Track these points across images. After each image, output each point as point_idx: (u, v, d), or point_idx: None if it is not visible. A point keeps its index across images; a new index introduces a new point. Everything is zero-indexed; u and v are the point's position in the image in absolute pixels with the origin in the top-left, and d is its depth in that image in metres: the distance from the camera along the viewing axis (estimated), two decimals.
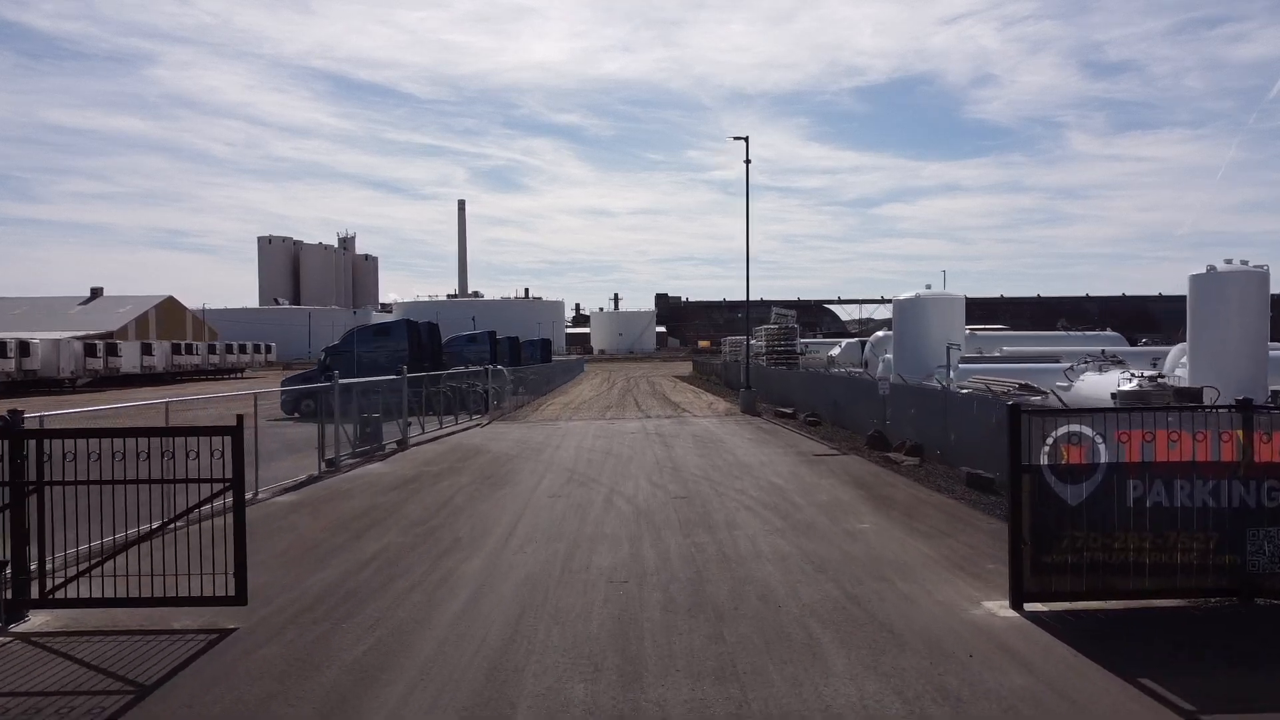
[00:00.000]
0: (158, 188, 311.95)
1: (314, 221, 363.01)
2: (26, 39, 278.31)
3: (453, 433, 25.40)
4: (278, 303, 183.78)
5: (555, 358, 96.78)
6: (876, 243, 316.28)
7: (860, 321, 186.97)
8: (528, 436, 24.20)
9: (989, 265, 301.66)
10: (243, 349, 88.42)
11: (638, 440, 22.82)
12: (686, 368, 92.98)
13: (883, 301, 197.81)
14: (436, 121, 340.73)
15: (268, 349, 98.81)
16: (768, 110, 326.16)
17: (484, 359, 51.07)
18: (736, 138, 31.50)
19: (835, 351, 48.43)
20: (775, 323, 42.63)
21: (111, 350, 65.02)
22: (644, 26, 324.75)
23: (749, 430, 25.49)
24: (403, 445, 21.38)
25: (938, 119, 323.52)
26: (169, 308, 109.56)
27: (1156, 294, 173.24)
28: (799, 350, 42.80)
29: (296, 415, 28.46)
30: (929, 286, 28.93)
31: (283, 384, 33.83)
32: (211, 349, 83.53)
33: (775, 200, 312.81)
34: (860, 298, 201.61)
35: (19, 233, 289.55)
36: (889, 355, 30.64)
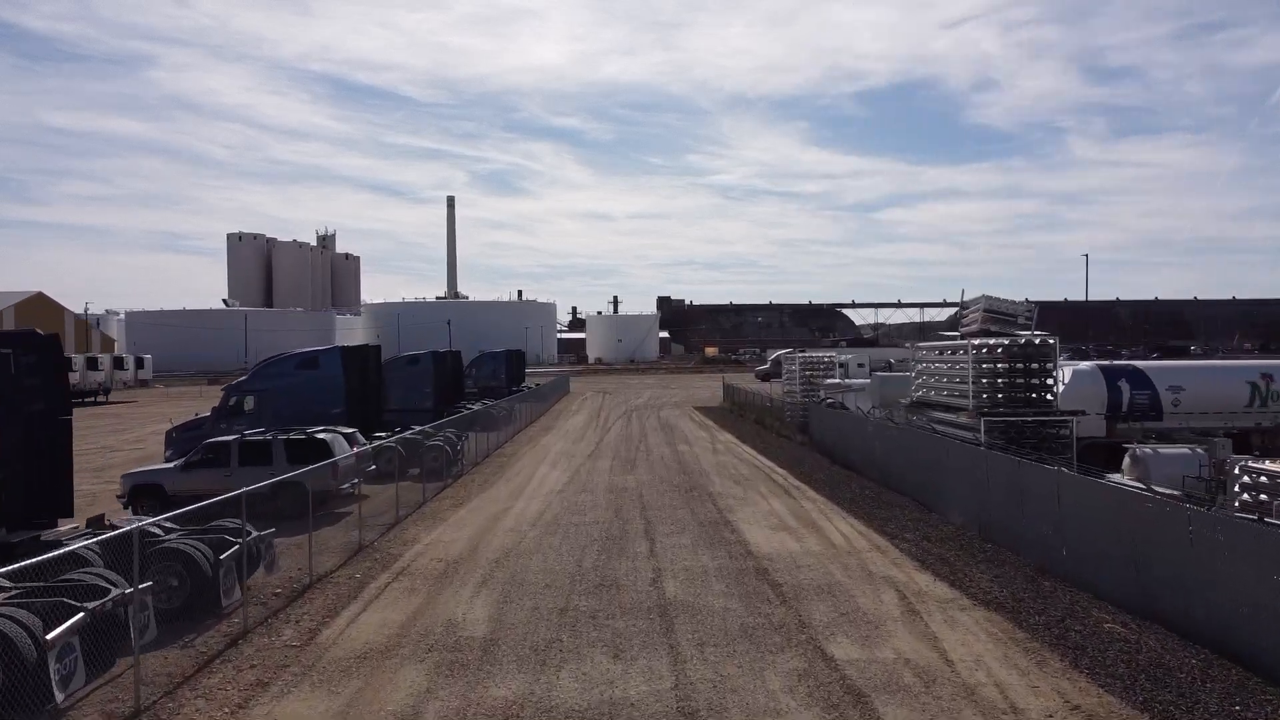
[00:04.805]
0: (156, 190, 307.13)
1: (312, 224, 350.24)
2: (24, 40, 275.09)
3: None
4: (226, 304, 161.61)
5: (541, 370, 74.01)
6: (877, 247, 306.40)
7: (873, 326, 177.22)
8: None
9: (988, 270, 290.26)
10: (93, 364, 62.92)
11: None
12: (705, 388, 67.14)
13: (899, 305, 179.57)
14: (435, 125, 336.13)
15: (138, 363, 73.47)
16: (768, 114, 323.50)
17: (333, 403, 25.99)
18: None
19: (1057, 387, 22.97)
20: (1004, 313, 17.36)
21: None
22: (643, 29, 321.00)
23: None
24: None
25: (938, 124, 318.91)
26: (37, 308, 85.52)
27: (1191, 298, 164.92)
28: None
29: None
30: None
31: None
32: None
33: (775, 204, 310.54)
34: (872, 302, 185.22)
35: (17, 235, 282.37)
36: None
